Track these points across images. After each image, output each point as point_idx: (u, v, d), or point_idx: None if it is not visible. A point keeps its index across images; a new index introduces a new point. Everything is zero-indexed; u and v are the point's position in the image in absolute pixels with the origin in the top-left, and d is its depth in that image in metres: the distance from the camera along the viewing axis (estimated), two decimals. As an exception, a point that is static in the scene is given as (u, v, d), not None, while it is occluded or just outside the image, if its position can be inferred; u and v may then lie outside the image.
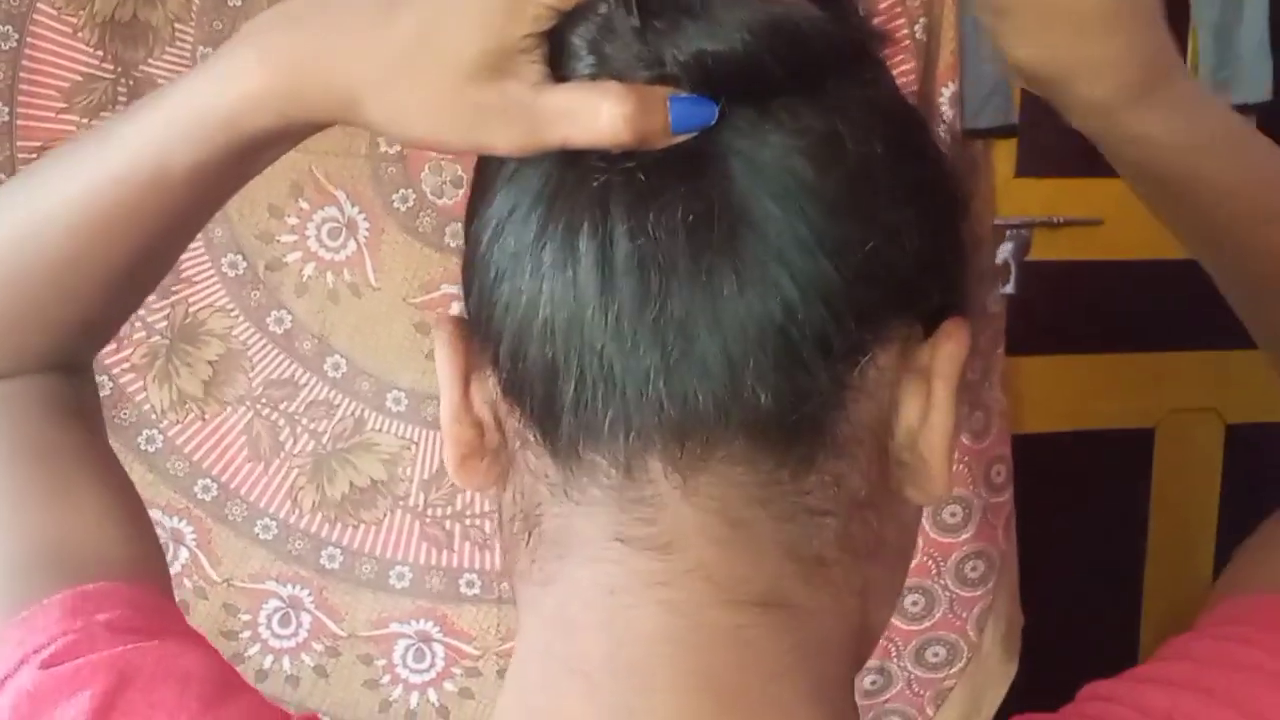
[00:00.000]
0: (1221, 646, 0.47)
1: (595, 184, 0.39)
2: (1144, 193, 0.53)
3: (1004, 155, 1.53)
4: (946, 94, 1.13)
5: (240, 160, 0.48)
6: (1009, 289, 1.47)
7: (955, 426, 0.42)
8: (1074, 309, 1.64)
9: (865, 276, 0.39)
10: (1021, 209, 1.53)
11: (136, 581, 0.51)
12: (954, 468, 1.18)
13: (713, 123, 0.39)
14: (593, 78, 0.40)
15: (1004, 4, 0.46)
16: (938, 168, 0.43)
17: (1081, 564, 1.66)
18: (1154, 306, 1.63)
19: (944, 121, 0.43)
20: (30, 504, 0.52)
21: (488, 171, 0.43)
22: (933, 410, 0.42)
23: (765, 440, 0.39)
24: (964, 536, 1.21)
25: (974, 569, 1.23)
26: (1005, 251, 1.46)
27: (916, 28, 1.11)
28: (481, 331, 0.43)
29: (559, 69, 0.41)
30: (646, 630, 0.40)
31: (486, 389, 0.44)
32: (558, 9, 0.40)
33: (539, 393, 0.41)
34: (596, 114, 0.39)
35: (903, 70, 1.12)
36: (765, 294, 0.38)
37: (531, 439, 0.42)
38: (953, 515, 1.20)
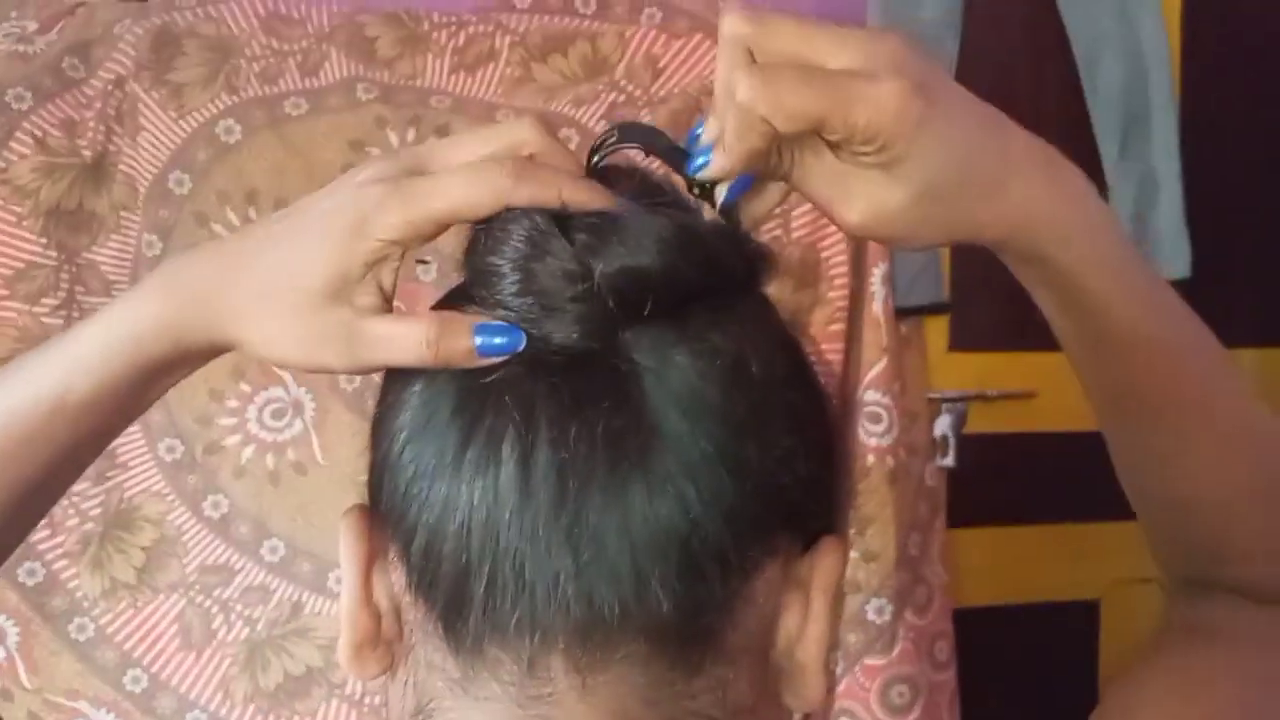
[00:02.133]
0: None
1: (519, 394, 0.42)
2: (1080, 341, 0.55)
3: (937, 330, 1.58)
4: (878, 274, 1.18)
5: (138, 386, 0.51)
6: (949, 461, 1.50)
7: (830, 637, 0.45)
8: (1013, 481, 1.67)
9: (761, 495, 0.42)
10: (956, 383, 1.58)
11: None
12: (899, 645, 1.19)
13: (519, 349, 0.42)
14: (518, 295, 0.43)
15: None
16: (820, 396, 0.47)
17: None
18: (1093, 476, 1.66)
19: (814, 355, 0.48)
20: None
21: (398, 379, 0.46)
22: (810, 621, 0.45)
23: (662, 645, 0.42)
24: (911, 717, 1.20)
25: (923, 750, 1.22)
26: (944, 425, 1.49)
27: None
28: (392, 527, 0.44)
29: (485, 289, 0.44)
30: None
31: (388, 580, 0.46)
32: (394, 242, 0.44)
33: (448, 590, 0.42)
34: (408, 339, 0.44)
35: (835, 251, 1.17)
36: (672, 506, 0.41)
37: (433, 633, 0.43)
38: (900, 695, 1.20)
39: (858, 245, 1.18)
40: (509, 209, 0.44)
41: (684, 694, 0.42)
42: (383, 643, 0.46)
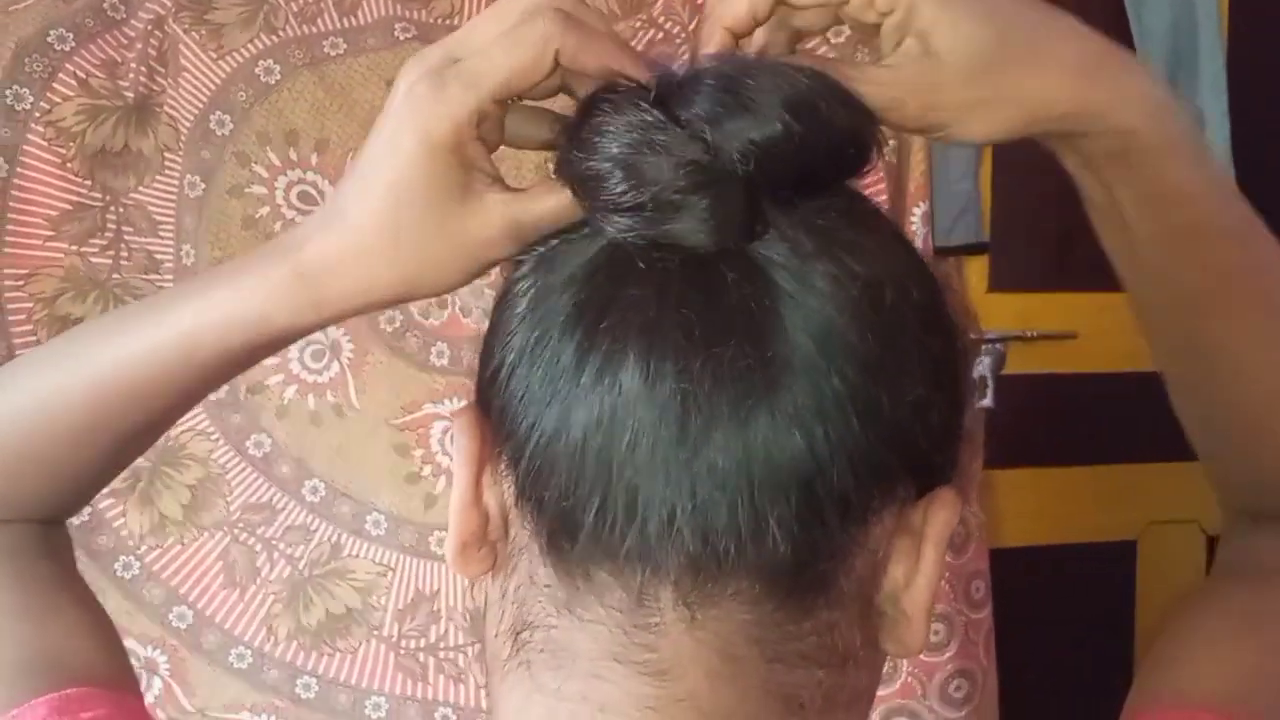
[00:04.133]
0: None
1: (642, 319, 0.40)
2: (1159, 239, 0.52)
3: (976, 270, 1.58)
4: (918, 214, 1.18)
5: (272, 347, 0.51)
6: (987, 402, 1.51)
7: (937, 588, 0.44)
8: (1051, 422, 1.68)
9: (889, 442, 0.41)
10: (996, 323, 1.58)
11: (115, 689, 0.54)
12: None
13: None
14: (631, 195, 0.41)
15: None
16: (957, 341, 0.45)
17: (1065, 679, 1.67)
18: (1131, 418, 1.67)
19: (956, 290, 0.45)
20: (19, 621, 0.56)
21: (513, 288, 0.45)
22: (920, 573, 0.44)
23: (774, 586, 0.41)
24: (947, 655, 1.22)
25: (958, 689, 1.24)
26: (982, 365, 1.50)
27: (886, 150, 1.16)
28: (501, 441, 0.44)
29: (590, 197, 0.42)
30: None
31: (498, 485, 0.45)
32: (460, 145, 0.43)
33: (557, 513, 0.42)
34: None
35: (875, 191, 1.18)
36: (797, 446, 0.40)
37: (541, 550, 0.43)
38: (935, 633, 1.21)
39: (897, 184, 1.18)
40: (598, 96, 0.42)
41: (792, 635, 0.42)
42: (488, 543, 0.45)
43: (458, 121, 0.43)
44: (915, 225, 1.17)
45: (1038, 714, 1.41)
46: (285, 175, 1.03)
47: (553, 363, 0.41)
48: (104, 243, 1.08)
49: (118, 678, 0.56)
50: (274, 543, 1.15)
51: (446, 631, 1.17)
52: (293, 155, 1.02)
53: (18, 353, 1.07)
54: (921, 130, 0.48)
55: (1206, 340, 0.55)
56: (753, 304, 0.40)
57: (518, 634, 0.45)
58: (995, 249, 1.56)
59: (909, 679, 1.22)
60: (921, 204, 1.18)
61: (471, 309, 1.07)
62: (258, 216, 1.05)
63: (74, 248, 1.07)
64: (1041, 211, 1.56)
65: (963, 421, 0.46)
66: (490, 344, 0.45)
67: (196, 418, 1.13)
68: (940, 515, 0.44)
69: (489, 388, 0.45)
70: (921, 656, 1.21)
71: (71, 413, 0.54)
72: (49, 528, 0.61)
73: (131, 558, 1.15)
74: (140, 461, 1.13)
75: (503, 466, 0.45)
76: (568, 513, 0.41)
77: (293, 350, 1.11)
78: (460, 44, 0.45)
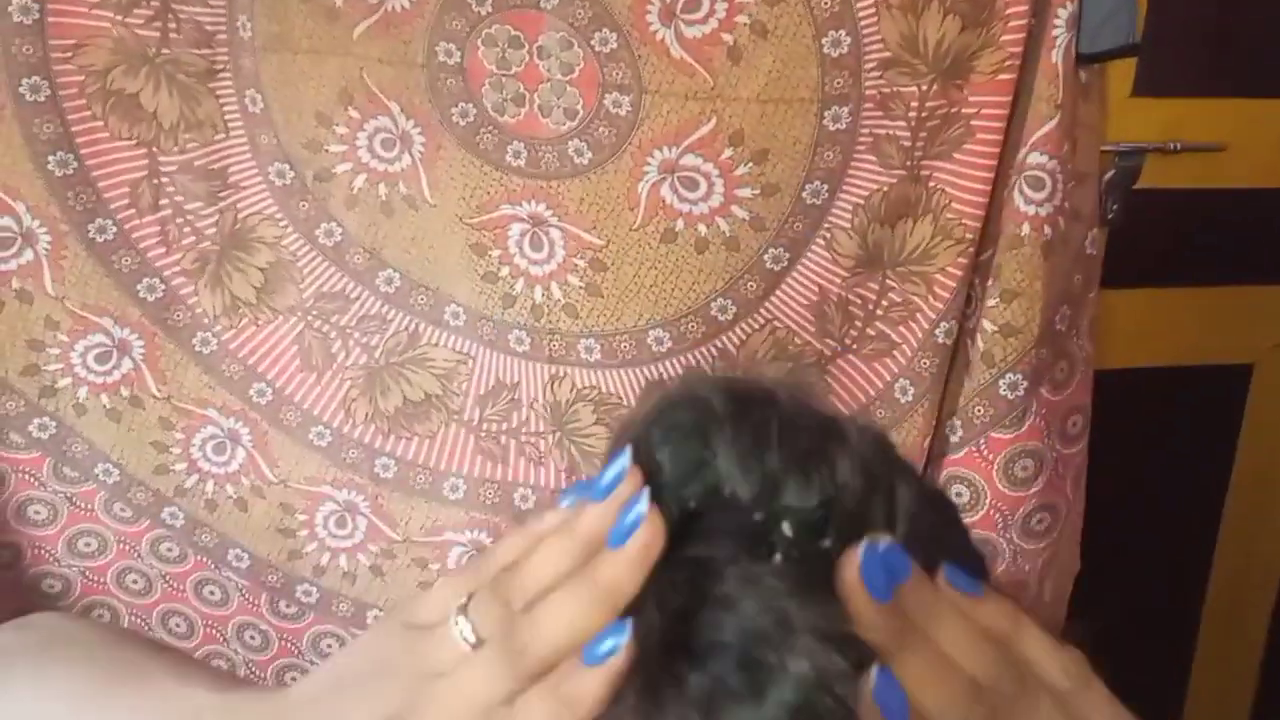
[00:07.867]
0: None
1: None
2: None
3: (1120, 72, 1.34)
4: (1063, 16, 0.96)
5: None
6: (1109, 219, 1.30)
7: None
8: (1186, 239, 1.46)
9: None
10: (1136, 133, 1.35)
11: None
12: (1030, 420, 1.05)
13: None
14: None
15: None
16: None
17: (1156, 505, 1.52)
18: (1273, 236, 1.45)
19: None
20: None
21: None
22: None
23: None
24: (1033, 490, 1.08)
25: (1040, 521, 1.10)
26: (1110, 177, 1.29)
27: (1036, -58, 0.93)
28: None
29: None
30: None
31: None
32: None
33: None
34: None
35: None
36: None
37: None
38: (1024, 469, 1.07)
39: (1041, -21, 0.95)
40: None
41: None
42: None
43: None
44: (1058, 29, 0.95)
45: (1124, 536, 1.27)
46: (343, -57, 0.86)
47: None
48: (149, 12, 0.92)
49: None
50: (349, 330, 1.04)
51: (528, 418, 1.06)
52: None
53: (73, 129, 0.94)
54: None
55: None
56: None
57: None
58: (1144, 49, 1.31)
59: (992, 513, 1.08)
60: (1068, 4, 0.95)
61: (552, 108, 0.90)
62: (315, -14, 0.88)
63: (119, 17, 0.91)
64: (1200, 7, 1.30)
65: None
66: None
67: (263, 201, 1.00)
68: None
69: None
70: (1007, 492, 1.07)
71: None
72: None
73: (209, 334, 1.05)
74: (206, 245, 1.02)
75: None
76: None
77: (360, 137, 0.95)
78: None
